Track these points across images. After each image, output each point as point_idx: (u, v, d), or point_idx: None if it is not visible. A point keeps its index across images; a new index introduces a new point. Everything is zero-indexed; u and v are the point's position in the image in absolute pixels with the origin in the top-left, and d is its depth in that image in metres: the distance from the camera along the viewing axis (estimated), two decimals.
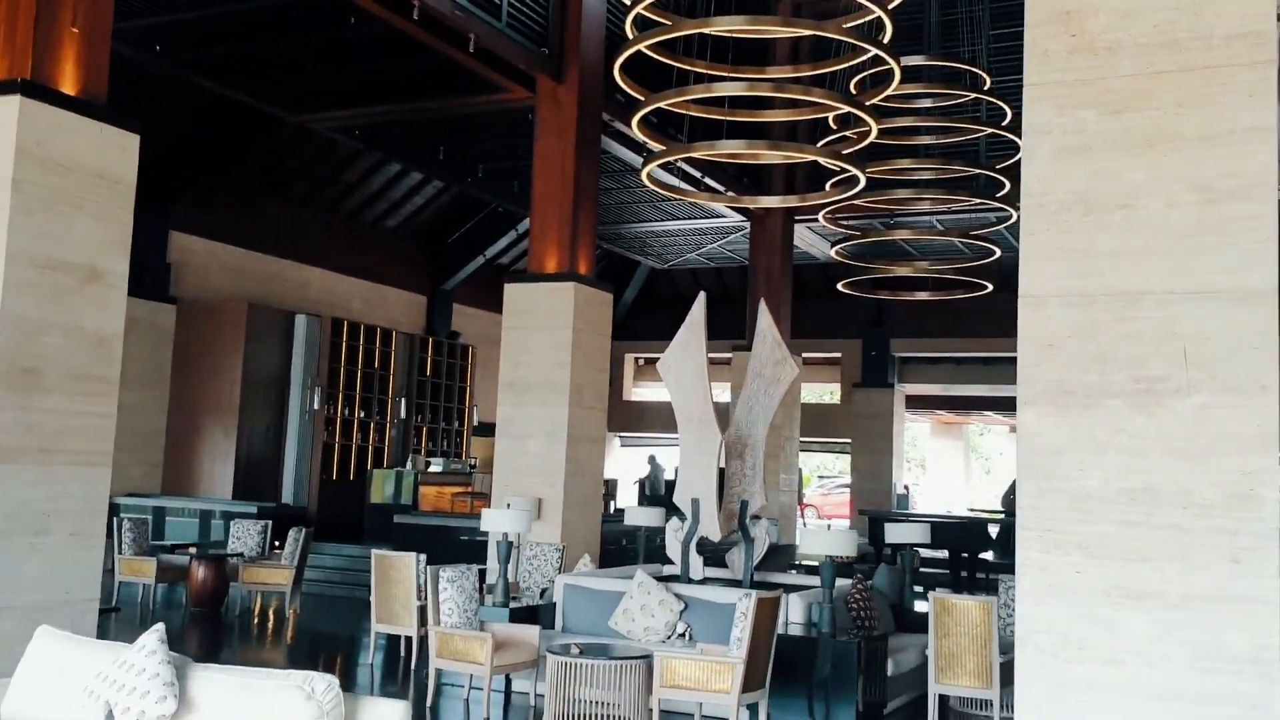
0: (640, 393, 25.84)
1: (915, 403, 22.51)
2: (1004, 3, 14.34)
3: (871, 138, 8.29)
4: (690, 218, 16.88)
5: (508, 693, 7.11)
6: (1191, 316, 3.85)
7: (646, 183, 8.98)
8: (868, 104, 8.11)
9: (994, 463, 38.10)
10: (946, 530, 12.93)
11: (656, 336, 23.23)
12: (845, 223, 12.24)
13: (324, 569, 12.48)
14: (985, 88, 11.13)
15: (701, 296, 7.94)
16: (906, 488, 21.95)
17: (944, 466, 29.22)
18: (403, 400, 16.41)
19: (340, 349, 15.39)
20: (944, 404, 23.69)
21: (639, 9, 8.20)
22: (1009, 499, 17.76)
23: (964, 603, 6.36)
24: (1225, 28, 3.90)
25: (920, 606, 7.99)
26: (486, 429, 18.99)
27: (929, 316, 18.76)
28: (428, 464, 14.86)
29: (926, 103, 11.40)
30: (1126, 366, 3.92)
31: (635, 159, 13.94)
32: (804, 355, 16.58)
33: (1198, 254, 3.86)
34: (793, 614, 7.06)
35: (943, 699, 6.61)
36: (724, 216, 16.51)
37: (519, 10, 10.94)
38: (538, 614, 7.51)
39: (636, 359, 25.55)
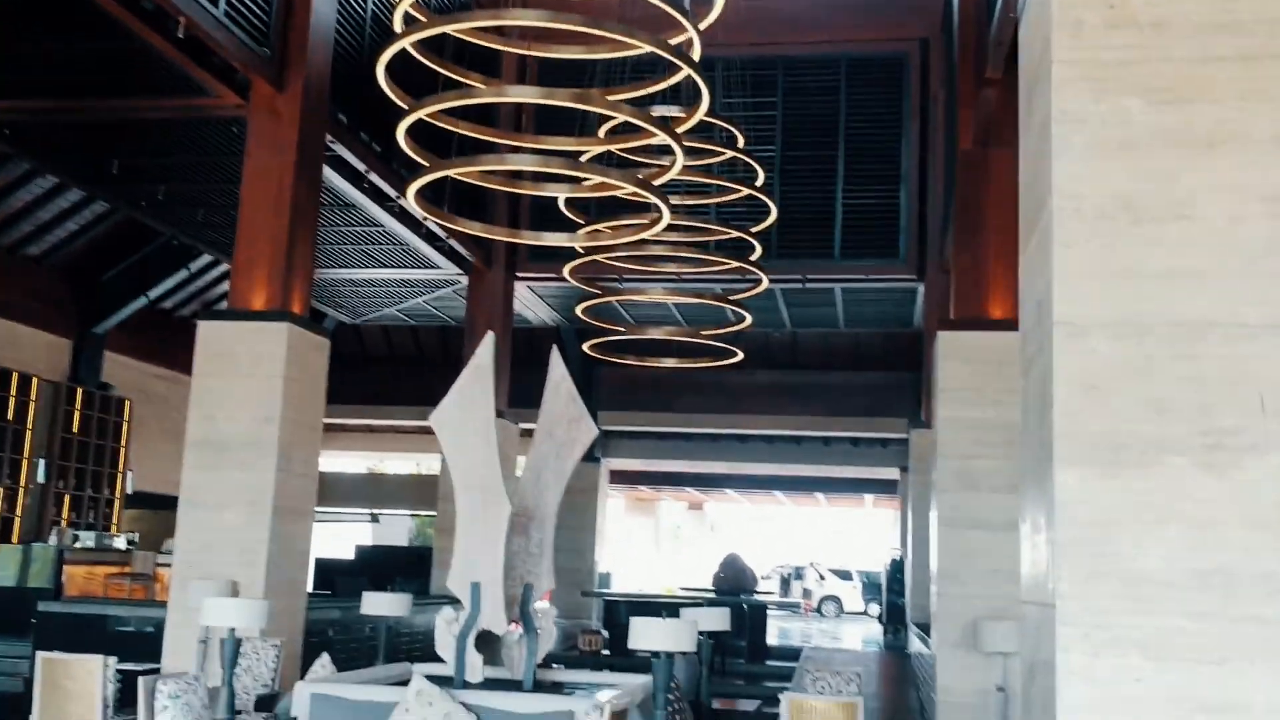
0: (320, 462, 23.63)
1: (615, 478, 21.89)
2: (757, 71, 14.22)
3: (675, 171, 7.39)
4: (400, 266, 15.39)
5: None
6: (1268, 356, 3.09)
7: (412, 203, 7.58)
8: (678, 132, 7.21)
9: (662, 537, 38.41)
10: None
11: (337, 399, 21.29)
12: (599, 283, 11.29)
13: None
14: (740, 145, 10.68)
15: (490, 337, 6.65)
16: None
17: (634, 543, 28.84)
18: (41, 461, 13.63)
19: None
20: (643, 480, 23.26)
21: (405, 6, 6.93)
22: (720, 578, 17.34)
23: (824, 704, 5.39)
24: None
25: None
26: (142, 499, 16.34)
27: (639, 389, 18.21)
28: (75, 539, 12.28)
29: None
30: (1190, 416, 3.10)
31: (349, 190, 12.38)
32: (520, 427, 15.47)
33: (1272, 279, 3.12)
34: None
35: None
36: (438, 267, 15.16)
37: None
38: None
39: None
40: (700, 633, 7.30)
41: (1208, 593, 3.02)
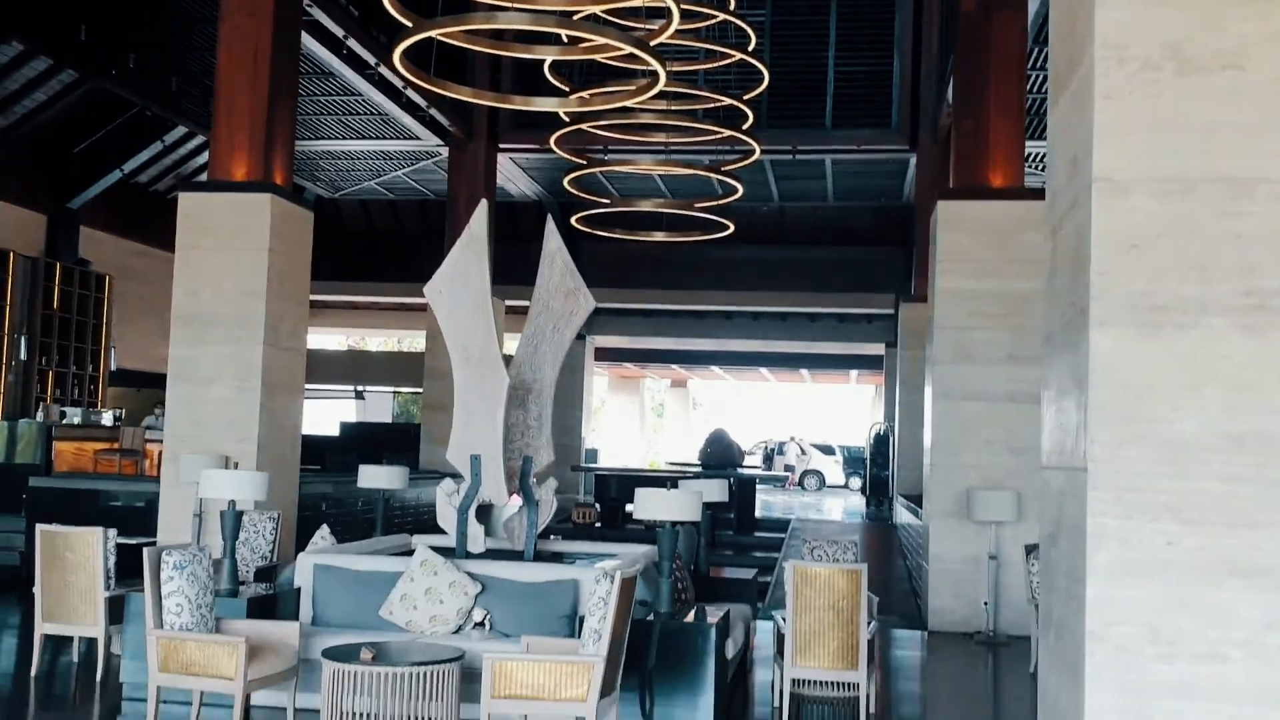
0: None
1: (600, 355, 21.80)
2: None
3: (670, 32, 7.11)
4: (380, 137, 15.02)
5: (246, 709, 5.39)
6: None
7: (398, 65, 7.28)
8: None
9: (646, 414, 38.64)
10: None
11: (316, 275, 21.02)
12: (586, 154, 10.99)
13: None
14: (730, 7, 10.31)
15: (483, 205, 6.47)
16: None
17: (616, 420, 28.99)
18: (22, 338, 13.42)
19: None
20: (629, 357, 23.15)
21: None
22: (707, 453, 17.45)
23: (829, 571, 5.41)
24: None
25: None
26: (124, 376, 16.20)
27: (624, 265, 17.98)
28: (62, 415, 12.17)
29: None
30: (1233, 275, 3.00)
31: (328, 57, 11.98)
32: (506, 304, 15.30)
33: None
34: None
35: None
36: (418, 138, 14.80)
37: None
38: (275, 604, 5.80)
39: None
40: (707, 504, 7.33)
41: (1244, 456, 2.96)
